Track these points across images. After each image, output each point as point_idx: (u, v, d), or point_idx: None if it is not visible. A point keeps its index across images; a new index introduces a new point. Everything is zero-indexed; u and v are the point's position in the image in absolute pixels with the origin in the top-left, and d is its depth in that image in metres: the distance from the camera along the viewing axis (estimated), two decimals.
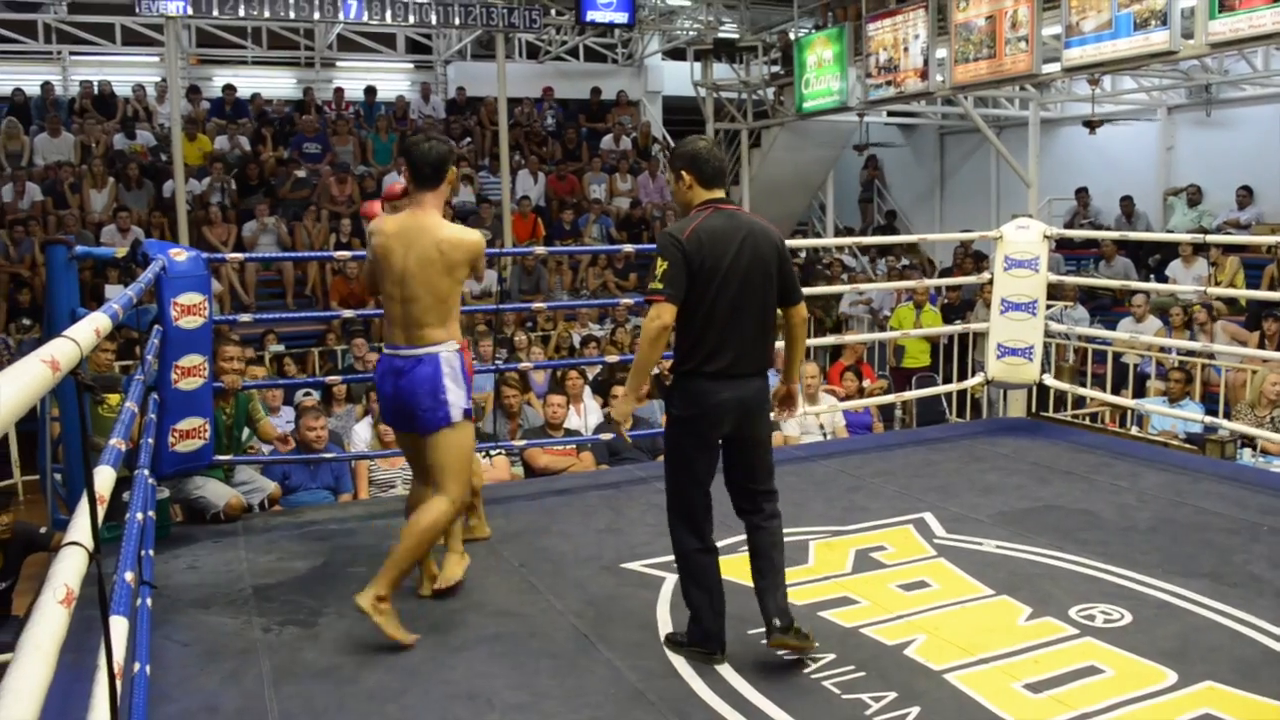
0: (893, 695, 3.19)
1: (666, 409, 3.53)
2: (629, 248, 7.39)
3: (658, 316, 3.26)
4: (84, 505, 1.67)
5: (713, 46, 15.10)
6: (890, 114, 15.84)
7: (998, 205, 15.69)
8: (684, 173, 3.43)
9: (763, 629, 3.53)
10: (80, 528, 1.64)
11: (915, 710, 3.10)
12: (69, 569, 1.51)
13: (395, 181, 4.14)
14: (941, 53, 11.33)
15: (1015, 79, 10.95)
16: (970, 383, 7.25)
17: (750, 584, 4.13)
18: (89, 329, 1.73)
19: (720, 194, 3.45)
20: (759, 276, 3.37)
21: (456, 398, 3.67)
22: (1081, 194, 13.84)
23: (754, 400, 3.42)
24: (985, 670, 3.35)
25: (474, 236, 3.75)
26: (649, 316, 3.28)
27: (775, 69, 14.75)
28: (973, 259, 11.89)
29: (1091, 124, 12.55)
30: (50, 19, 14.58)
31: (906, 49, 11.65)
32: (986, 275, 7.18)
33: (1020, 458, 6.02)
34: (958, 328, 8.67)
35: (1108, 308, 11.29)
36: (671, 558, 4.32)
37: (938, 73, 11.41)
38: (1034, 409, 7.31)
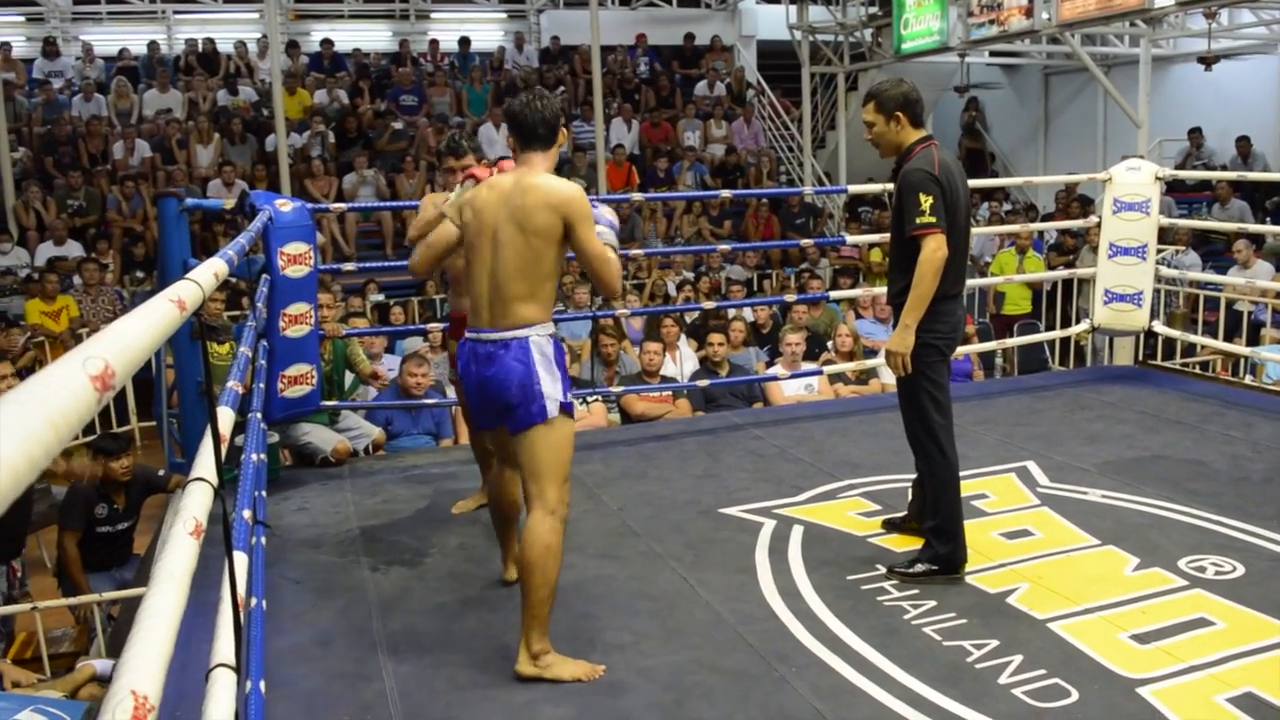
0: (995, 643, 3.16)
1: (924, 336, 3.53)
2: (726, 193, 7.33)
3: (938, 248, 3.44)
4: (208, 443, 1.73)
5: None
6: (992, 54, 15.36)
7: (1105, 147, 15.14)
8: (899, 113, 3.58)
9: (864, 574, 3.59)
10: (205, 464, 1.71)
11: (1018, 658, 3.07)
12: (197, 503, 1.57)
13: (504, 160, 3.85)
14: None
15: (1126, 14, 10.52)
16: (1075, 330, 7.06)
17: (847, 529, 4.15)
18: (209, 272, 1.78)
19: (927, 131, 3.65)
20: (969, 201, 3.70)
21: (552, 389, 3.09)
22: (1195, 134, 13.29)
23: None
24: (1090, 620, 3.30)
25: (571, 196, 3.10)
26: (930, 249, 3.44)
27: (873, 10, 14.39)
28: (1079, 203, 11.53)
29: (1207, 60, 12.01)
30: None
31: None
32: (1094, 219, 6.96)
33: (1127, 406, 5.86)
34: (1062, 273, 8.43)
35: (1221, 252, 10.87)
36: (769, 503, 4.39)
37: (1043, 10, 11.00)
38: (1141, 357, 7.10)
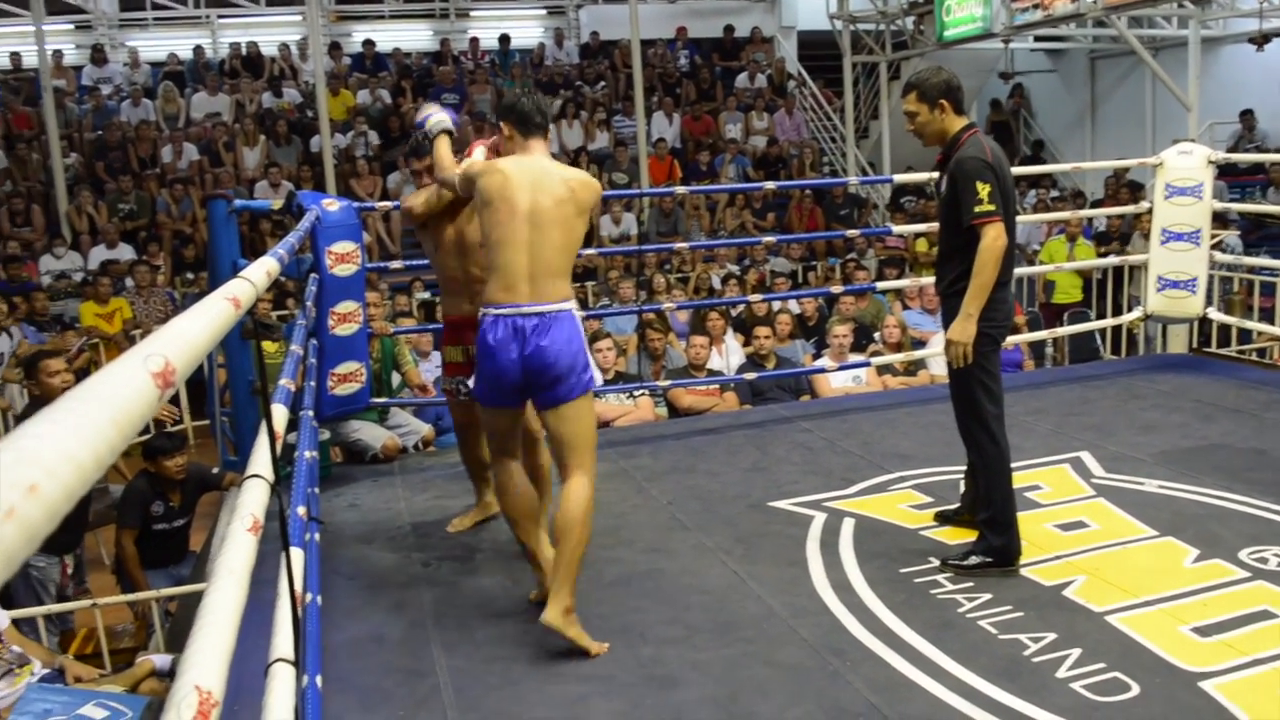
0: (1052, 636, 3.11)
1: (980, 325, 3.51)
2: (770, 185, 7.29)
3: (1000, 236, 3.42)
4: (263, 440, 1.74)
5: None
6: (1037, 39, 15.13)
7: (1154, 132, 14.87)
8: (943, 101, 3.56)
9: (917, 566, 3.56)
10: (261, 462, 1.72)
11: (1076, 652, 3.02)
12: (254, 500, 1.58)
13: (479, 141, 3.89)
14: None
15: None
16: (1128, 317, 6.94)
17: (899, 522, 4.11)
18: (261, 271, 1.80)
19: (970, 119, 3.65)
20: (1013, 188, 3.66)
21: (591, 361, 3.29)
22: (1247, 116, 13.01)
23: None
24: (1150, 613, 3.24)
25: (593, 179, 3.46)
26: (990, 237, 3.42)
27: None
28: (1128, 188, 11.34)
29: (1258, 40, 11.75)
30: None
31: None
32: (1145, 205, 6.84)
33: (1182, 395, 5.76)
34: (1113, 260, 8.29)
35: (1276, 237, 10.65)
36: (819, 496, 4.37)
37: None
38: (1196, 344, 6.97)
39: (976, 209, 3.41)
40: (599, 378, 3.29)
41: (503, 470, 3.40)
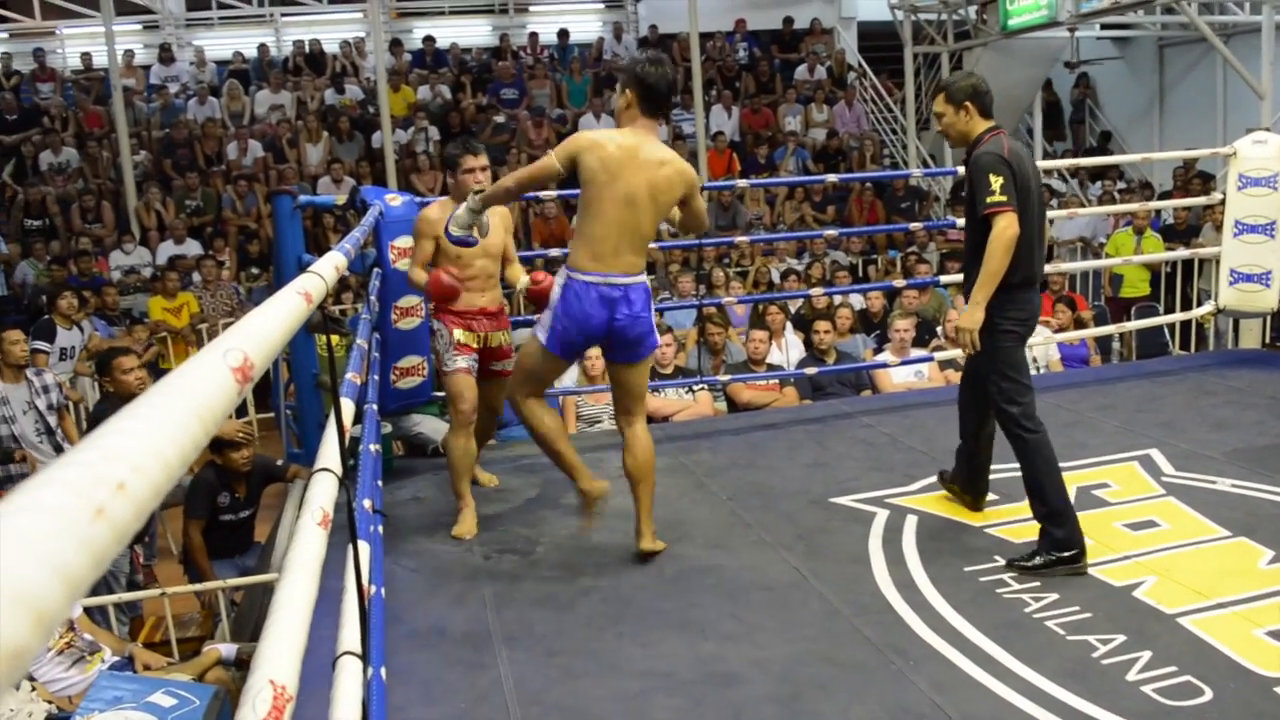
0: (1122, 638, 3.05)
1: (1001, 322, 3.66)
2: (831, 178, 7.23)
3: (1010, 225, 3.53)
4: (331, 434, 1.76)
5: None
6: (1103, 27, 14.83)
7: (1225, 121, 14.50)
8: (969, 104, 3.71)
9: (982, 564, 3.53)
10: (330, 455, 1.74)
11: (1146, 654, 2.96)
12: (323, 493, 1.59)
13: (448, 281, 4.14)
14: None
15: None
16: (1198, 312, 6.78)
17: (963, 519, 4.06)
18: (330, 265, 1.81)
19: (995, 121, 3.76)
20: (1041, 192, 3.79)
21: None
22: None
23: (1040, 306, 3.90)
24: (1223, 615, 3.16)
25: (689, 168, 3.71)
26: (1001, 227, 3.53)
27: None
28: (1199, 179, 11.08)
29: None
30: None
31: None
32: (1217, 196, 6.68)
33: (1256, 391, 5.61)
34: (1182, 253, 8.11)
35: None
36: (881, 493, 4.33)
37: None
38: (1270, 339, 6.79)
39: (988, 199, 3.54)
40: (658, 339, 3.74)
41: (538, 406, 3.83)
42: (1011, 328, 3.66)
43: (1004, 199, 3.52)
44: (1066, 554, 3.51)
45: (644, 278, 3.66)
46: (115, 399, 5.24)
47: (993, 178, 3.53)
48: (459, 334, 4.26)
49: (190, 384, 0.79)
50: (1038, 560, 3.54)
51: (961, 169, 7.84)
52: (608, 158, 3.48)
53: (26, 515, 0.46)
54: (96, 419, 5.44)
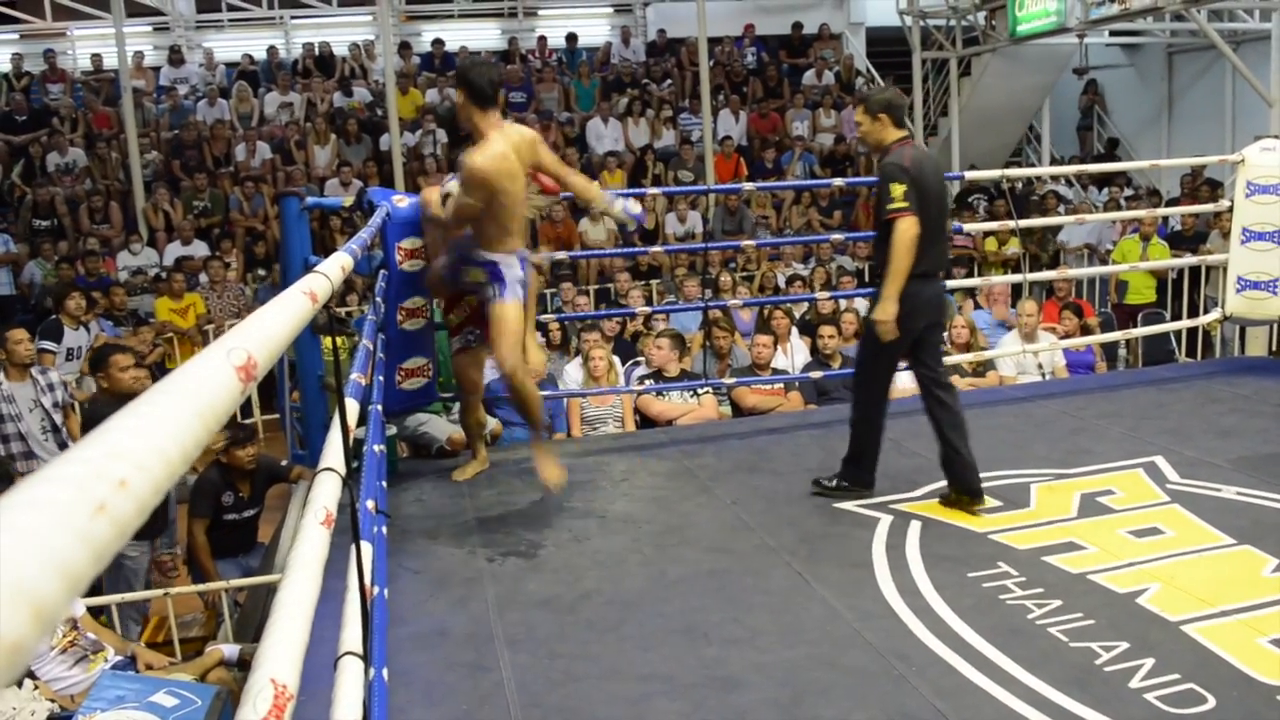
0: (1124, 645, 3.05)
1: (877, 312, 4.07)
2: (838, 182, 7.23)
3: (910, 227, 3.92)
4: (335, 434, 1.76)
5: None
6: (1113, 34, 14.82)
7: (1233, 128, 14.49)
8: (883, 115, 4.12)
9: (985, 571, 3.51)
10: (334, 455, 1.74)
11: (1149, 662, 2.95)
12: (326, 493, 1.60)
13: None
14: None
15: None
16: (1205, 319, 6.78)
17: (966, 525, 4.05)
18: (335, 266, 1.82)
19: (906, 132, 4.21)
20: (941, 195, 4.23)
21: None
22: None
23: (941, 296, 4.36)
24: (1227, 623, 3.16)
25: None
26: (902, 229, 3.93)
27: None
28: (1208, 186, 11.06)
29: None
30: None
31: None
32: (1225, 203, 6.68)
33: (1263, 399, 5.60)
34: (1190, 260, 8.10)
35: None
36: (886, 498, 4.34)
37: None
38: (1277, 347, 6.78)
39: (890, 205, 3.95)
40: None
41: (521, 370, 4.30)
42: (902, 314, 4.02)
43: (905, 205, 3.92)
44: (861, 485, 4.29)
45: None
46: (109, 395, 5.22)
47: (894, 186, 3.95)
48: (453, 317, 4.65)
49: (193, 382, 0.80)
50: (834, 483, 4.32)
51: (969, 174, 7.90)
52: (511, 168, 4.08)
53: (27, 511, 0.47)
54: (90, 417, 5.43)
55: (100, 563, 0.50)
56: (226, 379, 0.85)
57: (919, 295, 4.05)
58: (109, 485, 0.55)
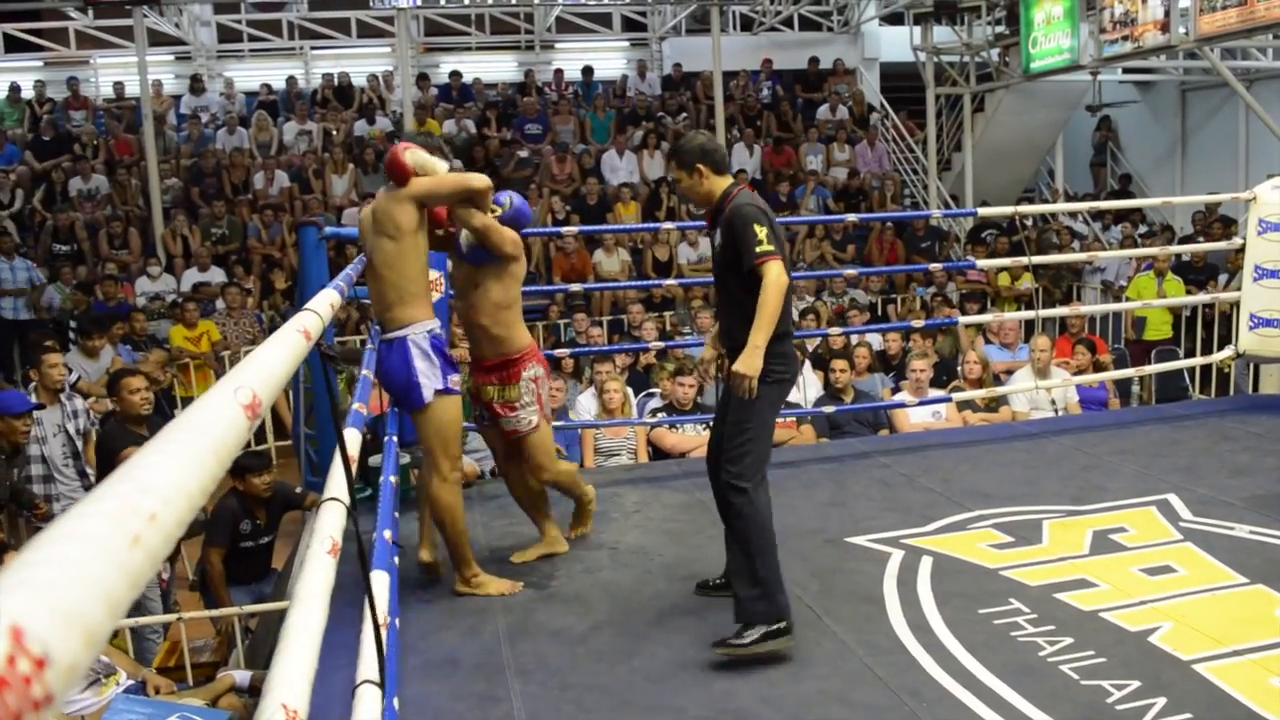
0: (1136, 684, 3.04)
1: (766, 375, 3.41)
2: (852, 217, 7.27)
3: (781, 272, 3.42)
4: (338, 464, 1.79)
5: (933, 8, 14.57)
6: (1126, 71, 14.89)
7: (1247, 166, 14.51)
8: (700, 165, 3.57)
9: (997, 607, 3.50)
10: (337, 485, 1.77)
11: (1161, 701, 2.94)
12: (332, 523, 1.62)
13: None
14: (1184, 2, 10.56)
15: (1269, 26, 10.09)
16: (1219, 356, 6.77)
17: (978, 561, 4.04)
18: (324, 302, 1.86)
19: (733, 179, 3.67)
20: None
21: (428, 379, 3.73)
22: None
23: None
24: (1240, 663, 3.14)
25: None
26: (773, 275, 3.40)
27: (1000, 29, 14.11)
28: (1220, 223, 11.06)
29: None
30: (293, 17, 15.56)
31: (1145, 0, 10.92)
32: (1238, 240, 6.68)
33: (1276, 438, 5.58)
34: (1203, 297, 8.10)
35: None
36: (897, 533, 4.32)
37: (1180, 24, 10.63)
38: None
39: (757, 249, 3.42)
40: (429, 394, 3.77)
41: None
42: (779, 379, 3.51)
43: (771, 248, 3.43)
44: (776, 626, 3.29)
45: (403, 330, 3.77)
46: (120, 417, 5.57)
47: (757, 228, 3.44)
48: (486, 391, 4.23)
49: (205, 420, 0.83)
50: (748, 637, 3.28)
51: (982, 209, 7.93)
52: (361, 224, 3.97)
53: (72, 543, 0.49)
54: (104, 438, 5.68)
55: (136, 590, 0.53)
56: (235, 417, 0.89)
57: (790, 354, 3.59)
58: (142, 519, 0.58)
